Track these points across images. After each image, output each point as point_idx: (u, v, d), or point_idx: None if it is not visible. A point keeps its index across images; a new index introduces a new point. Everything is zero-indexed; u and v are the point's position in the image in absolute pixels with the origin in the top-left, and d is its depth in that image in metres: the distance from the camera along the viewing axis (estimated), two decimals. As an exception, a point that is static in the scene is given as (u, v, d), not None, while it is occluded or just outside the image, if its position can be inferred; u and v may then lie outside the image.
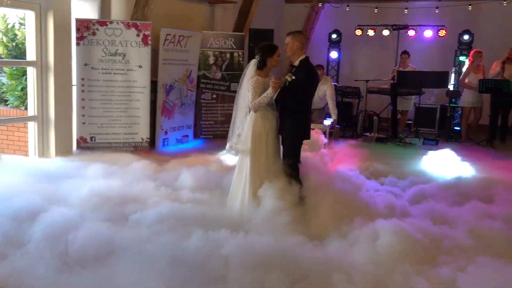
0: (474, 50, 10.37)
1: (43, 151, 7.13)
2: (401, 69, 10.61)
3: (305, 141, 5.18)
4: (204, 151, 8.19)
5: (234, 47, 9.61)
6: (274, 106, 5.06)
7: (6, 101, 8.45)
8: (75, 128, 7.52)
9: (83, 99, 7.54)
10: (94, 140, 7.66)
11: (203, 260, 3.70)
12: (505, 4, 10.54)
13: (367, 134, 10.18)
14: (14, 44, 8.36)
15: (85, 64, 7.51)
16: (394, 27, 11.95)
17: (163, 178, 6.03)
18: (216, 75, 9.56)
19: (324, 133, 8.07)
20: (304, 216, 4.58)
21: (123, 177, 5.89)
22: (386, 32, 12.07)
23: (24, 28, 7.58)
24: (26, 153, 7.32)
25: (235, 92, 9.70)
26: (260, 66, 4.95)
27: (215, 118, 9.66)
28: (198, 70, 9.27)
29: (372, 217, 4.48)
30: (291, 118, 4.94)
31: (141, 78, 7.80)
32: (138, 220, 4.58)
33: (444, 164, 7.36)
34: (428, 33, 11.82)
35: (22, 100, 8.16)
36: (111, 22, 7.58)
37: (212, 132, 9.68)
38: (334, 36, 12.41)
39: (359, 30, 12.43)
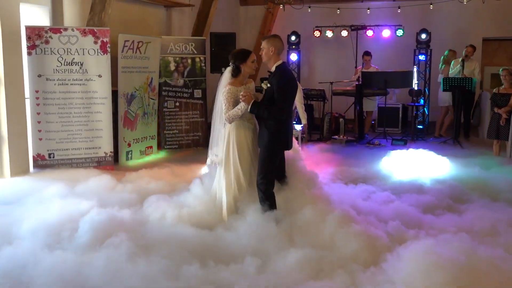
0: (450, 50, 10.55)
1: (-4, 172, 6.47)
2: (364, 70, 10.54)
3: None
4: (170, 163, 7.76)
5: (196, 52, 9.19)
6: (253, 115, 4.78)
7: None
8: (31, 145, 6.88)
9: (38, 113, 6.92)
10: (53, 157, 7.05)
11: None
12: (465, 3, 10.68)
13: (336, 137, 10.01)
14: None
15: (39, 75, 6.89)
16: (353, 28, 11.89)
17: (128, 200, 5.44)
18: (178, 82, 9.12)
19: (297, 138, 7.80)
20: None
21: (83, 197, 5.35)
22: (344, 33, 12.00)
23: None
24: (-23, 175, 6.63)
25: (198, 99, 9.52)
26: (235, 74, 4.74)
27: (179, 127, 9.20)
28: (159, 77, 8.80)
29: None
30: (269, 129, 4.59)
31: (102, 88, 7.25)
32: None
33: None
34: (386, 33, 11.84)
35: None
36: (65, 29, 7.00)
37: (177, 142, 9.21)
38: (293, 38, 12.20)
39: (318, 31, 12.32)
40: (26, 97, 6.82)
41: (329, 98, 10.47)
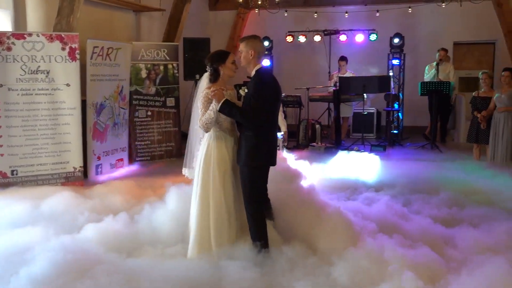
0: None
1: (-47, 193, 5.85)
2: (340, 75, 10.35)
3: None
4: (142, 176, 7.31)
5: (168, 58, 8.75)
6: (235, 125, 4.21)
7: None
8: (-9, 162, 6.29)
9: (-1, 127, 6.33)
10: (16, 174, 6.46)
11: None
12: (443, 6, 10.65)
13: (314, 144, 9.76)
14: None
15: (0, 85, 6.31)
16: (326, 33, 11.72)
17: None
18: (150, 90, 8.65)
19: (278, 147, 7.48)
20: None
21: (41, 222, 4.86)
22: (317, 38, 11.81)
23: None
24: None
25: (171, 107, 9.06)
26: (213, 78, 4.15)
27: (151, 137, 8.72)
28: (130, 85, 8.31)
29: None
30: (246, 141, 4.01)
31: (70, 98, 6.72)
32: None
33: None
34: (359, 38, 11.70)
35: None
36: (29, 35, 6.45)
37: (149, 153, 8.73)
38: (265, 43, 11.90)
39: (290, 36, 12.07)
40: (-15, 109, 6.24)
41: (305, 104, 10.23)
